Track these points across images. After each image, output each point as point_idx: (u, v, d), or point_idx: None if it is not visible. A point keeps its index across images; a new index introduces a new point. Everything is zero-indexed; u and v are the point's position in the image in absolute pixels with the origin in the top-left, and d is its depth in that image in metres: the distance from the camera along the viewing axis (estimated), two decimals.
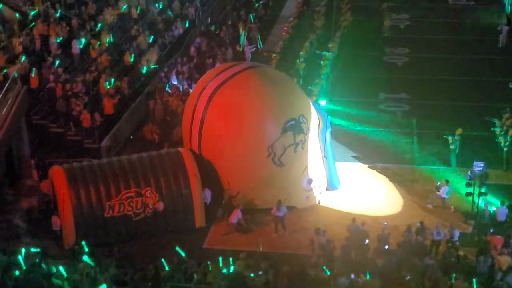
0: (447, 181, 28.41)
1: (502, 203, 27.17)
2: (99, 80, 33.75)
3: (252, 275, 22.60)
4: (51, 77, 32.89)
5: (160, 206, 26.02)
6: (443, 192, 28.25)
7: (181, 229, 26.48)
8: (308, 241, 25.15)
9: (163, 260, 23.03)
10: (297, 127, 27.13)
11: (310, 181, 28.11)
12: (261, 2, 50.27)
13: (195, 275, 22.58)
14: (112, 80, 33.55)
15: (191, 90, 32.92)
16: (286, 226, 26.76)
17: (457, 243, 24.92)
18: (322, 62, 39.51)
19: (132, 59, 36.48)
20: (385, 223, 25.97)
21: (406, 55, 44.33)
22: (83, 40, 35.91)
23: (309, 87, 35.43)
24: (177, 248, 23.82)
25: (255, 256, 24.03)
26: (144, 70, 36.53)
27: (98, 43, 35.95)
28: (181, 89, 36.10)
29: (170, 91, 35.69)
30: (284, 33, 44.77)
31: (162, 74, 37.13)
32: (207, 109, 27.17)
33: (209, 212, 27.49)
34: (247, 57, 41.27)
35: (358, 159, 32.20)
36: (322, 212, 28.17)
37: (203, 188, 26.94)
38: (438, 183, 28.47)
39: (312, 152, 28.11)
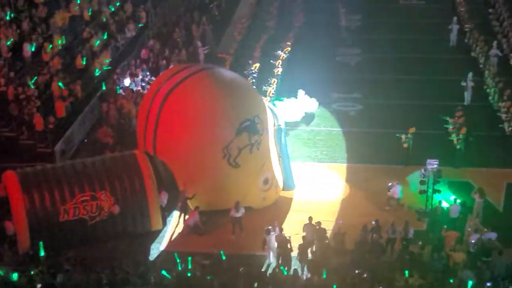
0: (398, 181, 28.69)
1: (455, 200, 27.52)
2: (51, 83, 33.34)
3: (209, 277, 22.60)
4: (2, 80, 32.39)
5: (116, 209, 25.81)
6: (395, 192, 28.53)
7: (138, 232, 26.35)
8: (262, 241, 25.24)
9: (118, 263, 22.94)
10: (252, 128, 27.12)
11: (266, 181, 28.16)
12: (214, 3, 50.20)
13: (152, 278, 22.48)
14: (61, 84, 33.14)
15: (145, 92, 32.75)
16: (243, 227, 26.79)
17: (419, 242, 25.19)
18: (275, 63, 39.64)
19: (84, 62, 36.12)
20: (341, 222, 26.08)
21: (359, 55, 44.67)
22: (34, 44, 35.44)
23: (264, 88, 35.51)
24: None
25: (212, 258, 24.04)
26: (97, 73, 36.20)
27: (50, 46, 35.52)
28: (134, 92, 35.87)
29: (123, 93, 35.45)
30: (237, 34, 44.77)
31: (115, 77, 36.84)
32: (162, 111, 26.94)
33: (166, 214, 27.42)
34: (201, 59, 41.18)
35: (312, 158, 32.38)
36: (279, 212, 28.23)
37: (159, 191, 26.79)
38: (390, 183, 28.72)
39: (268, 153, 28.17)
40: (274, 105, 32.57)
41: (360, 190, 29.95)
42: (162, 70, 37.28)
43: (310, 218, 26.02)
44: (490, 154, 32.54)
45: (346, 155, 32.57)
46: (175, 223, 27.75)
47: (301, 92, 35.87)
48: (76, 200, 25.39)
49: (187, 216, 27.38)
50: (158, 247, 26.36)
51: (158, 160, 27.30)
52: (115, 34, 39.69)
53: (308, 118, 35.50)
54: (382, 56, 44.12)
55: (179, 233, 27.23)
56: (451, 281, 22.63)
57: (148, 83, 36.36)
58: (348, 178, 30.80)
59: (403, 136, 31.67)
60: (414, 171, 29.93)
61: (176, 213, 28.00)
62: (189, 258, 23.62)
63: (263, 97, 31.06)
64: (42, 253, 23.53)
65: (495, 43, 41.99)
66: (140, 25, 42.48)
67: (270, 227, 25.23)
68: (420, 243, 24.82)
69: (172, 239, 26.99)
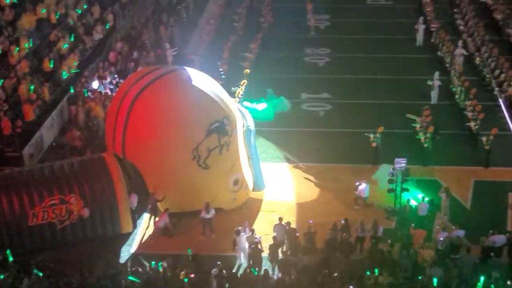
0: (365, 180, 28.88)
1: (423, 198, 27.80)
2: (18, 87, 33.05)
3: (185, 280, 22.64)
4: None
5: (85, 212, 25.67)
6: (362, 191, 28.71)
7: (108, 235, 26.26)
8: (232, 242, 25.33)
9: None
10: (221, 129, 27.16)
11: (236, 182, 28.22)
12: (182, 5, 50.10)
13: (123, 281, 22.42)
14: (32, 86, 32.91)
15: (113, 95, 32.62)
16: (213, 228, 26.81)
17: (388, 240, 25.31)
18: (244, 64, 39.68)
19: (52, 65, 35.85)
20: (311, 221, 26.19)
21: (327, 55, 44.87)
22: (1, 47, 35.11)
23: (233, 89, 35.55)
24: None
25: (183, 260, 24.03)
26: (65, 76, 35.96)
27: (17, 49, 35.21)
28: (103, 94, 35.70)
29: (92, 96, 35.26)
30: (205, 36, 44.75)
31: (83, 80, 36.63)
32: (130, 113, 26.83)
33: (136, 216, 27.36)
34: (169, 61, 41.08)
35: (282, 159, 32.50)
36: (249, 213, 28.31)
37: (129, 193, 26.70)
38: (357, 183, 28.89)
39: (237, 154, 28.23)
40: (243, 106, 32.63)
41: (329, 189, 30.10)
42: (130, 72, 37.09)
43: (280, 218, 26.17)
44: (457, 152, 32.92)
45: (316, 155, 32.71)
46: (145, 226, 27.69)
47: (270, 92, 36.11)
48: (45, 203, 25.21)
49: (157, 218, 27.32)
50: (128, 250, 26.30)
51: (127, 162, 27.23)
52: (83, 37, 39.45)
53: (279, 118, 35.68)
54: (351, 56, 44.39)
55: (150, 236, 27.17)
56: (420, 278, 22.82)
57: (116, 85, 36.20)
58: (317, 178, 30.94)
59: (371, 136, 31.93)
60: (381, 166, 30.21)
61: (146, 216, 27.96)
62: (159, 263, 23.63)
63: (232, 98, 31.08)
64: (10, 258, 23.32)
65: (460, 43, 42.51)
66: (107, 27, 42.27)
67: (240, 228, 25.31)
68: (389, 241, 24.99)
69: (142, 242, 26.90)
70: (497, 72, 38.77)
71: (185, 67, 30.63)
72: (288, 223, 25.89)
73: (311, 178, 30.95)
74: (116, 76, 37.86)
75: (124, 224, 26.47)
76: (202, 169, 27.08)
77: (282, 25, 48.48)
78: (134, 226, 27.14)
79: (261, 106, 34.79)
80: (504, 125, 33.33)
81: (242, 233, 25.19)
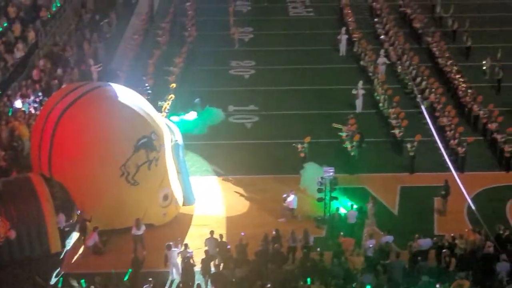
0: (292, 191, 28.98)
1: (352, 206, 28.14)
2: None
3: None
4: None
5: (12, 234, 25.11)
6: (290, 202, 28.81)
7: (37, 256, 25.75)
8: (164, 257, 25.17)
9: None
10: (149, 144, 27.02)
11: (166, 197, 28.08)
12: (105, 20, 49.64)
13: None
14: None
15: (37, 113, 32.06)
16: (145, 245, 26.56)
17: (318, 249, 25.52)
18: (169, 78, 39.55)
19: None
20: (242, 234, 26.21)
21: (252, 67, 45.10)
22: None
23: (159, 103, 35.38)
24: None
25: (114, 278, 23.75)
26: None
27: None
28: (26, 113, 35.01)
29: (15, 115, 34.53)
30: (129, 51, 44.44)
31: (6, 98, 35.85)
32: (56, 131, 26.42)
33: (64, 236, 26.94)
34: (94, 77, 40.61)
35: (211, 172, 32.49)
36: (180, 227, 28.23)
37: (56, 212, 26.30)
38: (285, 195, 28.99)
39: (166, 168, 28.09)
40: (170, 120, 32.52)
41: (259, 201, 30.22)
42: (54, 90, 36.53)
43: (212, 232, 26.15)
44: (383, 160, 33.52)
45: (245, 167, 32.81)
46: (74, 245, 27.24)
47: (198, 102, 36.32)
48: None
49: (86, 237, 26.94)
50: (57, 270, 25.76)
51: (54, 181, 26.82)
52: (4, 55, 38.65)
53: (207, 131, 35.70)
54: (276, 68, 44.71)
55: (79, 255, 26.75)
56: (354, 286, 23.03)
57: (40, 103, 35.56)
58: (247, 190, 31.03)
59: (299, 146, 32.25)
60: (303, 171, 30.55)
61: (75, 235, 27.52)
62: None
63: (159, 113, 30.94)
64: None
65: (382, 52, 43.34)
66: (30, 45, 41.55)
67: (171, 243, 25.15)
68: (318, 249, 25.21)
69: (72, 261, 26.45)
70: (418, 79, 39.62)
71: (110, 83, 30.34)
72: (221, 236, 25.87)
73: (241, 190, 31.01)
74: (40, 94, 37.18)
75: (53, 244, 26.00)
76: (131, 186, 26.87)
77: (206, 38, 48.50)
78: (63, 246, 26.70)
79: (191, 115, 34.81)
80: (427, 131, 33.98)
81: (173, 248, 25.04)
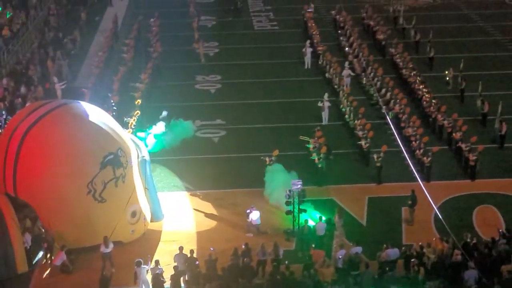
0: (253, 207, 28.91)
1: (321, 218, 28.24)
2: None
3: None
4: None
5: None
6: (254, 218, 28.71)
7: (3, 277, 25.39)
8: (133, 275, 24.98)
9: None
10: (116, 161, 26.92)
11: (134, 214, 27.94)
12: (69, 38, 49.41)
13: None
14: None
15: (1, 132, 31.71)
16: (113, 262, 26.37)
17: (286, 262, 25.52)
18: (135, 94, 39.45)
19: None
20: (212, 249, 26.20)
21: (218, 81, 45.13)
22: None
23: (125, 120, 35.26)
24: None
25: None
26: None
27: None
28: None
29: None
30: (94, 68, 44.24)
31: None
32: (20, 150, 26.19)
33: (31, 255, 26.61)
34: (58, 94, 40.36)
35: (179, 187, 32.39)
36: (149, 244, 28.08)
37: (22, 232, 26.02)
38: (248, 210, 28.94)
39: (134, 185, 27.97)
40: (137, 136, 32.40)
41: (228, 215, 30.21)
42: (18, 108, 36.24)
43: (181, 248, 26.10)
44: (350, 171, 33.71)
45: (213, 182, 32.75)
46: (42, 264, 26.90)
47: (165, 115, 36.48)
48: None
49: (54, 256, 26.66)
50: None
51: (20, 201, 26.53)
52: None
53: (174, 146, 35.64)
54: (242, 82, 44.84)
55: (47, 274, 26.42)
56: None
57: (4, 122, 35.22)
58: (216, 204, 31.00)
59: (267, 159, 32.27)
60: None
61: (42, 254, 27.22)
62: None
63: (124, 129, 30.80)
64: None
65: (347, 64, 43.63)
66: None
67: (140, 259, 24.98)
68: (286, 262, 25.22)
69: (40, 281, 26.12)
70: (383, 91, 39.95)
71: (75, 100, 30.19)
72: (191, 252, 25.79)
73: (210, 205, 30.94)
74: (3, 112, 36.83)
75: (20, 265, 25.71)
76: (99, 203, 26.72)
77: (171, 54, 48.52)
78: (30, 265, 26.37)
79: (159, 127, 34.80)
80: (393, 142, 34.24)
81: (143, 265, 24.87)
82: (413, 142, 34.01)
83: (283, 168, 31.44)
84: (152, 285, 24.59)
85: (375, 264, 25.55)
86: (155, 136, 35.59)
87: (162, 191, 31.31)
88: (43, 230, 27.23)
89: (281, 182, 30.26)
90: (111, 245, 26.37)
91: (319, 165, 32.65)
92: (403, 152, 32.13)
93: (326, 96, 38.85)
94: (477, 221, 29.60)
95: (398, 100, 38.26)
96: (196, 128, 37.67)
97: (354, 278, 24.58)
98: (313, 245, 26.58)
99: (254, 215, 28.56)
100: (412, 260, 25.13)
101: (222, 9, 59.89)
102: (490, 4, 59.94)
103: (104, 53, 46.74)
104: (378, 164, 32.55)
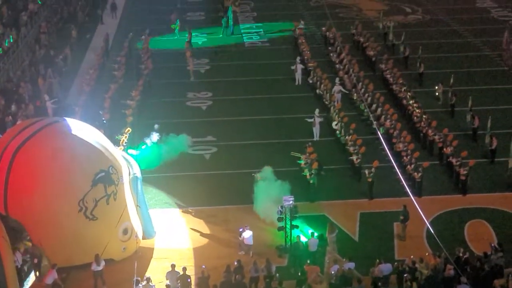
0: (247, 226, 28.76)
1: (313, 234, 28.29)
2: None
3: None
4: None
5: None
6: (246, 239, 28.53)
7: None
8: None
9: None
10: (107, 178, 26.97)
11: (125, 232, 27.95)
12: (60, 56, 49.53)
13: None
14: None
15: None
16: (105, 280, 26.31)
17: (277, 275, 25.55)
18: (126, 112, 39.50)
19: None
20: (203, 267, 26.18)
21: (209, 98, 45.27)
22: None
23: (116, 137, 35.27)
24: None
25: None
26: None
27: None
28: None
29: None
30: (85, 86, 44.31)
31: None
32: (11, 168, 26.19)
33: (22, 274, 26.47)
34: (49, 112, 40.37)
35: (171, 204, 32.42)
36: (141, 262, 27.97)
37: (13, 251, 25.82)
38: (241, 229, 28.87)
39: (125, 202, 27.98)
40: (128, 153, 32.40)
41: (220, 232, 30.25)
42: (9, 126, 36.19)
43: (173, 265, 26.14)
44: (342, 186, 33.83)
45: (205, 198, 32.77)
46: (33, 283, 26.84)
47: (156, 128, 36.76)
48: None
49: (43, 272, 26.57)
50: None
51: (10, 219, 26.42)
52: None
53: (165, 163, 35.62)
54: (233, 98, 44.97)
55: None
56: None
57: None
58: (208, 221, 31.02)
59: (258, 175, 32.29)
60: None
61: (33, 272, 27.15)
62: None
63: (116, 147, 30.83)
64: None
65: (337, 80, 43.83)
66: None
67: (138, 278, 24.93)
68: (277, 275, 25.35)
69: None
70: (374, 106, 40.13)
71: (66, 117, 30.22)
72: (184, 269, 25.82)
73: (202, 221, 30.96)
74: None
75: (11, 283, 25.33)
76: (90, 221, 26.75)
77: (162, 71, 48.67)
78: (21, 285, 26.23)
79: (153, 137, 34.99)
80: (384, 157, 34.28)
81: (140, 284, 24.78)
82: (404, 158, 34.16)
83: (273, 179, 31.51)
84: None
85: (368, 280, 25.59)
86: (149, 147, 35.70)
87: (154, 208, 31.33)
88: (31, 245, 27.11)
89: (271, 193, 30.33)
90: (102, 263, 26.36)
91: (311, 181, 32.75)
92: (395, 168, 32.18)
93: (317, 112, 39.00)
94: (469, 235, 29.75)
95: (389, 116, 38.43)
96: (190, 143, 37.68)
97: None
98: (308, 261, 26.65)
99: (247, 234, 28.49)
100: (405, 275, 25.18)
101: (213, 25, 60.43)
102: (479, 20, 60.57)
103: (95, 70, 46.83)
104: (369, 180, 32.68)
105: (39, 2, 56.92)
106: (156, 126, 37.43)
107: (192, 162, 36.48)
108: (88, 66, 48.80)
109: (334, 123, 38.10)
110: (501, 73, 48.27)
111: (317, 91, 44.14)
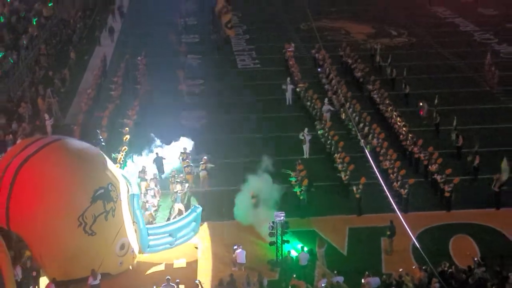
0: (240, 246, 29.35)
1: (303, 248, 29.09)
2: None
3: None
4: None
5: None
6: (239, 256, 29.01)
7: None
8: None
9: None
10: (106, 195, 27.40)
11: (122, 247, 28.43)
12: (58, 76, 50.15)
13: None
14: None
15: None
16: None
17: None
18: (123, 130, 40.11)
19: None
20: (197, 281, 26.79)
21: (203, 117, 45.78)
22: None
23: (113, 155, 35.85)
24: None
25: None
26: None
27: None
28: None
29: None
30: (83, 105, 45.01)
31: None
32: (14, 184, 26.61)
33: None
34: (48, 131, 41.00)
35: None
36: (137, 276, 28.56)
37: (13, 265, 26.32)
38: (235, 246, 29.40)
39: (123, 218, 28.56)
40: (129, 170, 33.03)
41: (214, 246, 30.71)
42: (9, 145, 36.85)
43: (168, 279, 26.64)
44: (331, 203, 34.46)
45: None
46: None
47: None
48: None
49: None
50: None
51: (11, 233, 27.02)
52: None
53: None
54: (226, 117, 45.61)
55: None
56: None
57: None
58: (202, 236, 31.46)
59: (251, 191, 32.86)
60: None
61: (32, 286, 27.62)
62: None
63: (114, 164, 31.52)
64: None
65: (326, 100, 44.59)
66: None
67: None
68: None
69: None
70: (361, 125, 40.80)
71: (64, 136, 30.86)
72: (178, 282, 26.40)
73: (196, 236, 31.25)
74: None
75: None
76: (88, 236, 27.15)
77: (159, 91, 49.14)
78: None
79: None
80: (372, 174, 34.87)
81: None
82: (391, 175, 34.81)
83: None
84: None
85: None
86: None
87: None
88: (30, 256, 27.57)
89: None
90: (99, 277, 26.84)
91: (301, 197, 33.39)
92: (381, 185, 32.77)
93: (306, 130, 39.74)
94: (453, 250, 30.41)
95: (376, 134, 39.05)
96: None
97: None
98: (294, 275, 27.24)
99: (240, 253, 28.98)
100: None
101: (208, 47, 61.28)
102: (462, 43, 61.48)
103: (93, 90, 47.32)
104: (357, 196, 33.31)
105: (34, 23, 57.63)
106: (152, 135, 38.05)
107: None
108: (86, 86, 49.34)
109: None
110: (484, 94, 49.22)
111: (307, 110, 44.67)
